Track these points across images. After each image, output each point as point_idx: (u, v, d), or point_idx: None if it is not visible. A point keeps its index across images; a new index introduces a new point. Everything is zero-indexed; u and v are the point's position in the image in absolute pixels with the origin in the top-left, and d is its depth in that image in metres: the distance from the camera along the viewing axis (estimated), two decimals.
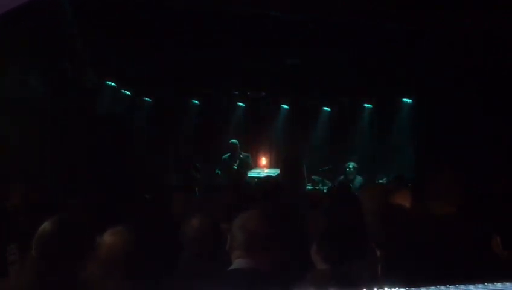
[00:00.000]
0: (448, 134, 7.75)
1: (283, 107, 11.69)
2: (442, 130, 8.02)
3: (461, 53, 6.99)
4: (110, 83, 9.69)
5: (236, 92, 11.30)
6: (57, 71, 6.87)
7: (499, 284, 1.98)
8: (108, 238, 2.76)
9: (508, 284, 1.97)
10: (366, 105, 10.95)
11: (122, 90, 10.24)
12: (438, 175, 3.43)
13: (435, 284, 1.97)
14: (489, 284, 1.97)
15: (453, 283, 1.97)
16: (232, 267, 2.62)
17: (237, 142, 9.30)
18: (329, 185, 8.62)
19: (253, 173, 9.14)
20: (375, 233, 2.99)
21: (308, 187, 7.41)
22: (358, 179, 9.05)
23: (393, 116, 10.33)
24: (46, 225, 2.48)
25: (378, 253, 2.90)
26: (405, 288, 1.98)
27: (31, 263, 2.44)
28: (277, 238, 2.75)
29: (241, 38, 7.60)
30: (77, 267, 2.44)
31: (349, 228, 2.79)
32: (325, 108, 11.49)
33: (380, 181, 8.16)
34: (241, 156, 9.18)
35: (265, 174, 9.06)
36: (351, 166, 9.14)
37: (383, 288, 1.97)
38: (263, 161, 10.97)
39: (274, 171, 9.03)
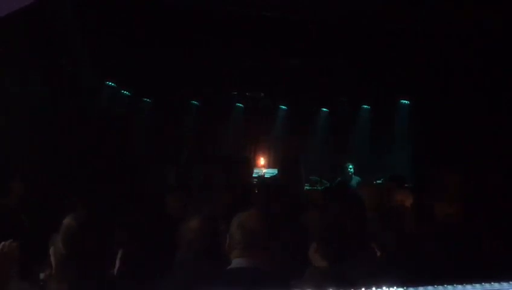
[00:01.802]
0: (446, 134, 7.77)
1: (281, 108, 11.71)
2: (440, 130, 8.04)
3: (459, 53, 7.01)
4: (110, 83, 9.69)
5: (235, 93, 11.31)
6: (57, 70, 6.87)
7: (496, 284, 1.99)
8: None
9: (504, 284, 1.98)
10: (364, 106, 10.98)
11: (122, 91, 10.24)
12: (435, 175, 3.45)
13: (432, 284, 1.99)
14: (486, 284, 1.99)
15: (451, 283, 1.99)
16: (231, 267, 2.63)
17: None
18: (327, 185, 8.65)
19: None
20: (373, 232, 3.01)
21: (306, 187, 7.43)
22: (356, 179, 9.09)
23: (391, 117, 10.36)
24: (71, 221, 2.46)
25: (377, 252, 2.91)
26: (403, 287, 1.99)
27: (59, 260, 2.41)
28: (275, 237, 2.76)
29: (240, 39, 7.61)
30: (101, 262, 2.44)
31: (347, 227, 2.80)
32: (323, 109, 11.52)
33: (378, 181, 8.18)
34: None
35: (263, 174, 9.09)
36: (349, 167, 9.21)
37: (381, 287, 1.98)
38: (261, 161, 11.00)
39: (272, 171, 9.06)
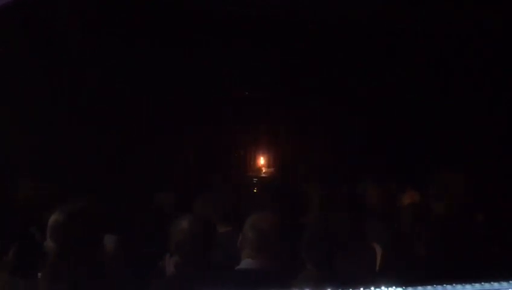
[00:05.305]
0: (446, 134, 7.76)
1: (282, 108, 11.66)
2: (440, 130, 8.02)
3: (460, 53, 7.01)
4: (109, 82, 9.65)
5: (235, 92, 11.27)
6: (60, 68, 6.86)
7: (495, 283, 1.99)
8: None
9: (504, 283, 1.98)
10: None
11: (122, 90, 10.19)
12: (438, 175, 3.45)
13: (431, 284, 1.98)
14: (486, 284, 1.98)
15: (450, 283, 1.98)
16: (239, 267, 2.64)
17: None
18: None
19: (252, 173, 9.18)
20: (374, 232, 3.01)
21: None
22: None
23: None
24: (60, 215, 2.37)
25: (377, 251, 2.91)
26: (402, 287, 1.99)
27: (49, 254, 2.35)
28: (287, 240, 2.75)
29: (240, 38, 7.60)
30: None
31: (348, 227, 2.81)
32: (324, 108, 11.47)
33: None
34: None
35: (263, 174, 9.11)
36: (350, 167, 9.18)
37: (380, 287, 1.98)
38: (261, 161, 10.97)
39: (272, 171, 9.08)
